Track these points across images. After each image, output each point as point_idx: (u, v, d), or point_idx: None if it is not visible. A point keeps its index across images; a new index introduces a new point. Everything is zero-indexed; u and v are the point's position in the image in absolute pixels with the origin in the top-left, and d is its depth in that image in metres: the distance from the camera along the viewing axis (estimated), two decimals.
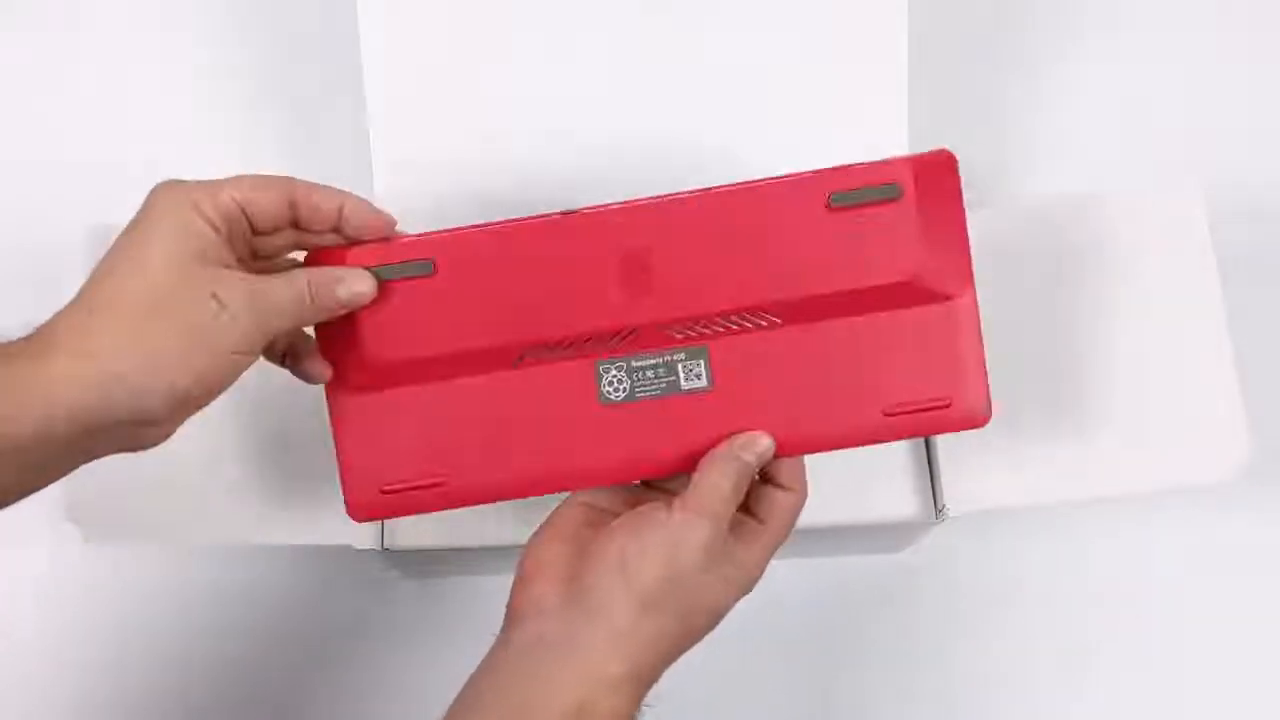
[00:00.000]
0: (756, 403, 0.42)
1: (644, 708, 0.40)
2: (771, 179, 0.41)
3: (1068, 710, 0.61)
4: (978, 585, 0.63)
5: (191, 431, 0.49)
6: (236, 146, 0.71)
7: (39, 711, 0.61)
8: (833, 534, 0.55)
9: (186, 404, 0.37)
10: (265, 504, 0.52)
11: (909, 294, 0.41)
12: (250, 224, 0.39)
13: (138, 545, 0.61)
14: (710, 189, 0.42)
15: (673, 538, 0.39)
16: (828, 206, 0.41)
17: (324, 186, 0.41)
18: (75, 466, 0.38)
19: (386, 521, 0.54)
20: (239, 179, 0.39)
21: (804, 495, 0.43)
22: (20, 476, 0.36)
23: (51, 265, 0.53)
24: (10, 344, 0.36)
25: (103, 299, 0.36)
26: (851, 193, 0.41)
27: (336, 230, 0.41)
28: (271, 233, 0.40)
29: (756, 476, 0.43)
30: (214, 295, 0.36)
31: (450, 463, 0.42)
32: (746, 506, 0.42)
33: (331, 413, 0.43)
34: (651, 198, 0.42)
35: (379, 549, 0.53)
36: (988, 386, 0.42)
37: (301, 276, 0.39)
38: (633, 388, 0.42)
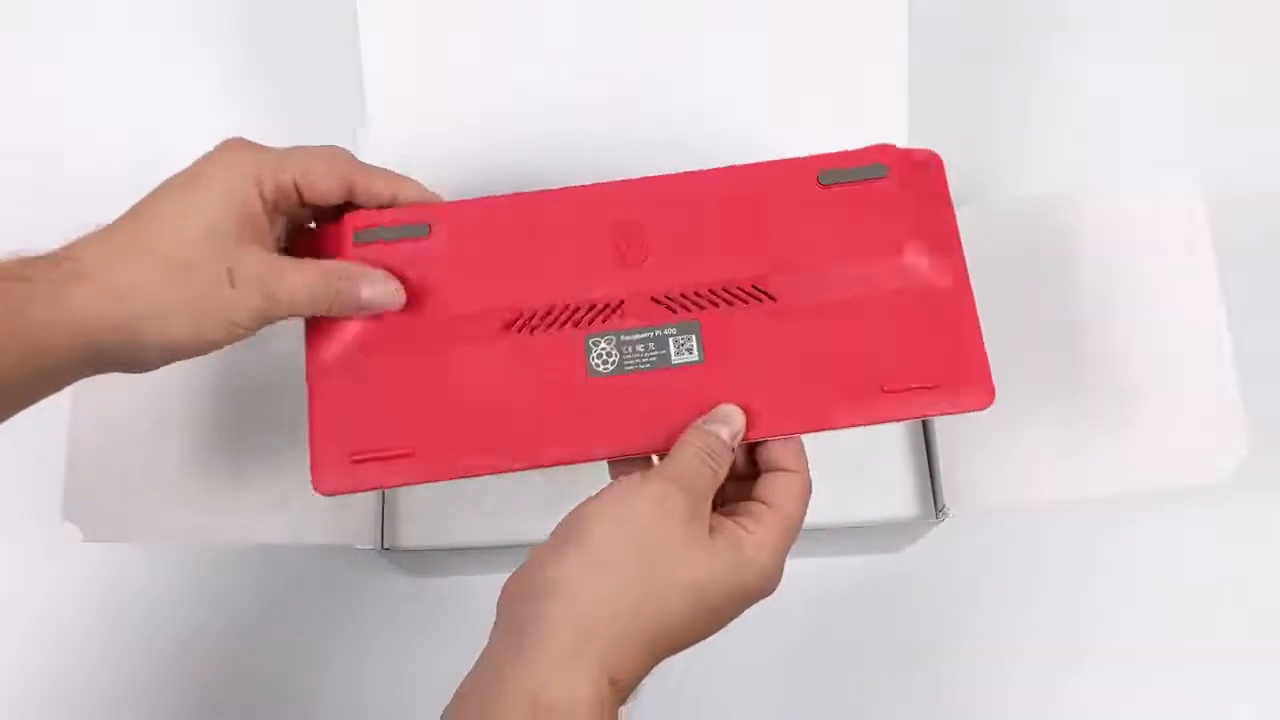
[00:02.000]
0: (747, 377, 0.41)
1: (630, 698, 0.37)
2: (764, 162, 0.42)
3: (1067, 710, 0.61)
4: (978, 585, 0.63)
5: (192, 432, 0.49)
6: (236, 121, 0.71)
7: (38, 711, 0.61)
8: (833, 534, 0.55)
9: (178, 353, 0.39)
10: (265, 504, 0.52)
11: (902, 273, 0.41)
12: (300, 199, 0.41)
13: (138, 545, 0.61)
14: (705, 170, 0.43)
15: (626, 493, 0.37)
16: (818, 184, 0.42)
17: (383, 172, 0.42)
18: (56, 390, 0.39)
19: (386, 521, 0.54)
20: (304, 154, 0.40)
21: (807, 479, 0.41)
22: (8, 403, 0.37)
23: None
24: (31, 263, 0.37)
25: (141, 245, 0.38)
26: (840, 170, 0.42)
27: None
28: (318, 207, 0.42)
29: (754, 463, 0.42)
30: (229, 270, 0.38)
31: (424, 432, 0.40)
32: (751, 495, 0.41)
33: (309, 378, 0.41)
34: (648, 177, 0.43)
35: (379, 549, 0.53)
36: (989, 371, 0.41)
37: (324, 271, 0.40)
38: (621, 361, 0.41)
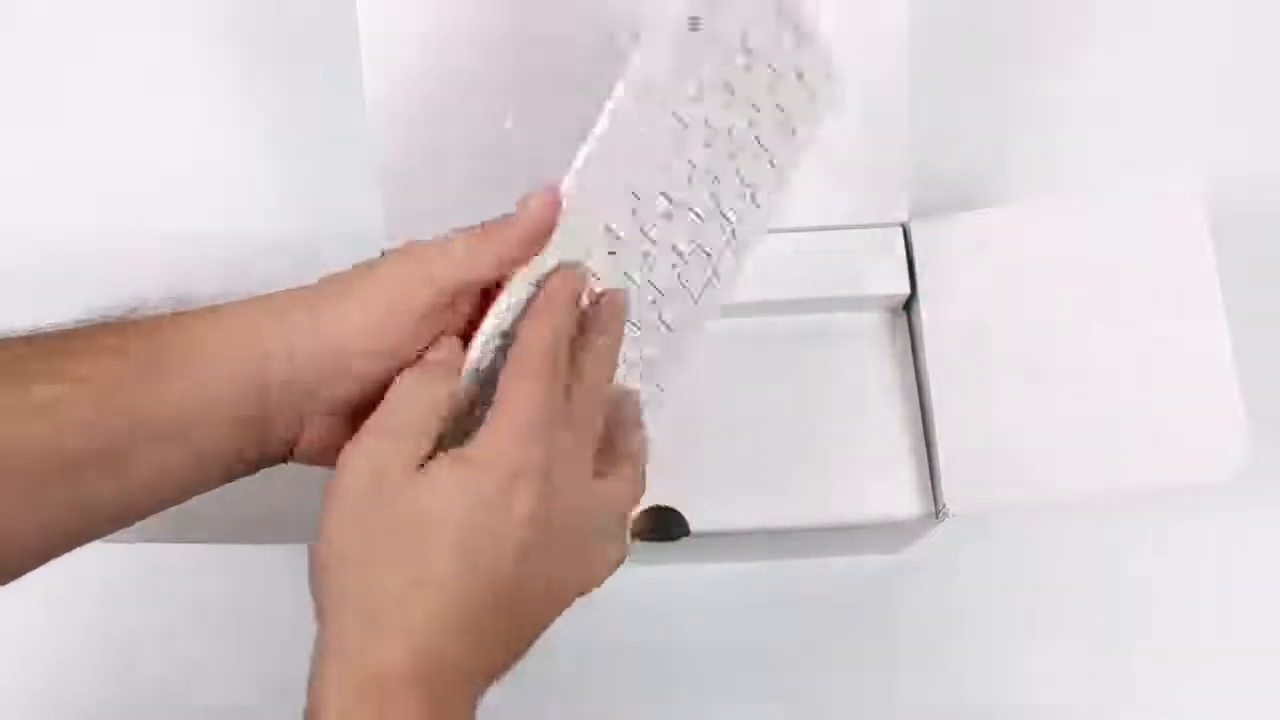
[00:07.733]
0: None
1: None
2: None
3: (1068, 709, 0.61)
4: (978, 585, 0.63)
5: None
6: (235, 139, 0.71)
7: (39, 711, 0.61)
8: (833, 534, 0.55)
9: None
10: (265, 504, 0.52)
11: None
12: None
13: (138, 545, 0.61)
14: None
15: (342, 459, 0.35)
16: None
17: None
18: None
19: None
20: (470, 257, 0.37)
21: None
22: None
23: (53, 262, 0.53)
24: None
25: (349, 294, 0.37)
26: None
27: None
28: None
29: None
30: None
31: None
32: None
33: None
34: None
35: None
36: None
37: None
38: None
